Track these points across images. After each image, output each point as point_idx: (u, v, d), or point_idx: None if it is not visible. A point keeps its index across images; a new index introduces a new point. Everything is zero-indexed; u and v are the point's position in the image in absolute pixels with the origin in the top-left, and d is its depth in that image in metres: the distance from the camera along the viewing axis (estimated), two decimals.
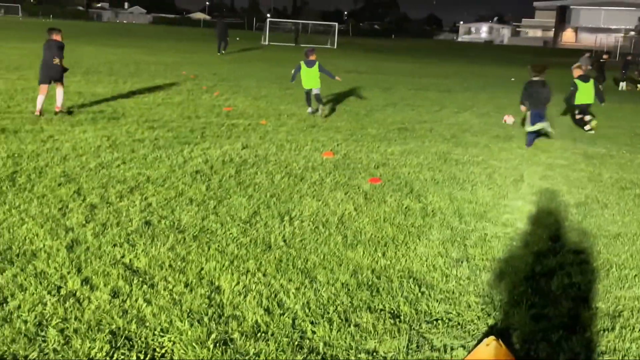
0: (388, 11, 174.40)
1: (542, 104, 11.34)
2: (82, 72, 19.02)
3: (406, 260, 5.47)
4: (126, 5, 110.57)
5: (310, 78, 13.47)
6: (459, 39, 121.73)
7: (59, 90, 11.56)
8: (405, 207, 7.10)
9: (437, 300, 4.70)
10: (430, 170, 9.05)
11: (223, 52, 34.44)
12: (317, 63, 13.45)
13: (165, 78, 19.37)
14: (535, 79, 11.42)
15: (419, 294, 4.79)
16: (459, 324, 4.38)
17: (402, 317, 4.39)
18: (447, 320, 4.40)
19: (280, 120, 12.77)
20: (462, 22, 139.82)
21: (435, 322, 4.37)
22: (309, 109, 13.88)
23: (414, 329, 4.25)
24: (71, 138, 9.57)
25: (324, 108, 13.70)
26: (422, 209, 7.08)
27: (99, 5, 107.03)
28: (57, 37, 11.66)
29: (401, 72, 29.32)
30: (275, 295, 4.57)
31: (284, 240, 5.76)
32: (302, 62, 13.59)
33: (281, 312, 4.32)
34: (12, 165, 7.73)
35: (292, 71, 14.12)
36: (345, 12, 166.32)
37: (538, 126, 11.24)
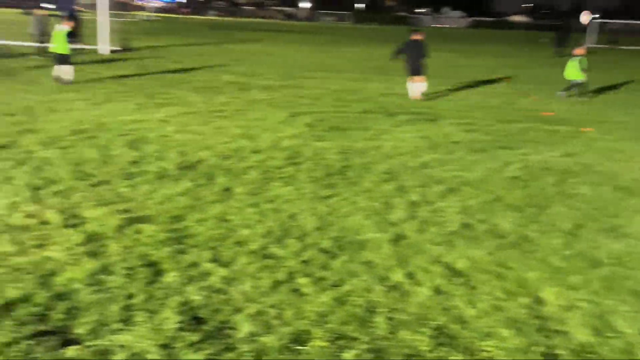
0: None
1: None
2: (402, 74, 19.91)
3: None
4: (445, 9, 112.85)
5: (569, 69, 16.26)
6: None
7: (419, 83, 14.59)
8: None
9: None
10: None
11: (557, 53, 33.34)
12: (579, 59, 15.96)
13: (481, 81, 19.36)
14: None
15: None
16: None
17: None
18: None
19: (606, 128, 11.84)
20: None
21: None
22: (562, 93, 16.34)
23: None
24: (393, 137, 10.10)
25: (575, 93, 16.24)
26: None
27: (421, 10, 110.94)
28: (418, 36, 14.62)
29: None
30: (605, 316, 4.24)
31: (613, 258, 5.32)
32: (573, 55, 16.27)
33: (612, 334, 3.99)
34: (343, 160, 8.43)
35: None
36: None
37: None
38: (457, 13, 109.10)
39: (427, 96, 15.10)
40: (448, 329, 4.00)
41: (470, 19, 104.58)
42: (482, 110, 13.63)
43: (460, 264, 5.05)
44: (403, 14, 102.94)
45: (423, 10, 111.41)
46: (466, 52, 35.06)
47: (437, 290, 4.56)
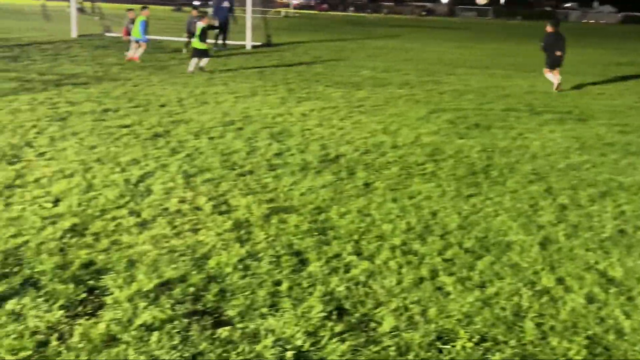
0: None
1: None
2: (531, 70, 19.07)
3: None
4: (595, 4, 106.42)
5: None
6: None
7: (556, 75, 14.93)
8: None
9: None
10: None
11: None
12: None
13: (636, 80, 18.09)
14: None
15: None
16: None
17: None
18: None
19: None
20: None
21: None
22: None
23: None
24: (540, 137, 9.68)
25: None
26: None
27: (568, 5, 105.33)
28: (553, 29, 15.00)
29: None
30: None
31: None
32: None
33: None
34: (485, 159, 8.20)
35: None
36: None
37: None
38: (607, 8, 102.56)
39: (564, 91, 14.50)
40: (603, 340, 3.77)
41: (622, 14, 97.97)
42: (639, 110, 12.73)
43: (616, 273, 4.75)
44: (549, 8, 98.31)
45: (570, 4, 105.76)
46: (618, 49, 32.88)
47: (590, 298, 4.31)
